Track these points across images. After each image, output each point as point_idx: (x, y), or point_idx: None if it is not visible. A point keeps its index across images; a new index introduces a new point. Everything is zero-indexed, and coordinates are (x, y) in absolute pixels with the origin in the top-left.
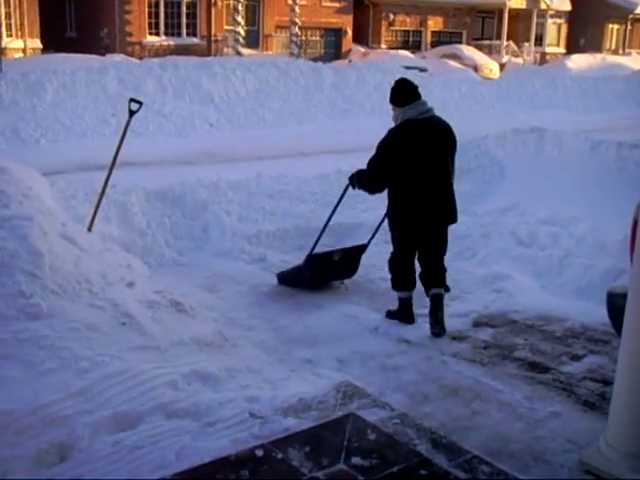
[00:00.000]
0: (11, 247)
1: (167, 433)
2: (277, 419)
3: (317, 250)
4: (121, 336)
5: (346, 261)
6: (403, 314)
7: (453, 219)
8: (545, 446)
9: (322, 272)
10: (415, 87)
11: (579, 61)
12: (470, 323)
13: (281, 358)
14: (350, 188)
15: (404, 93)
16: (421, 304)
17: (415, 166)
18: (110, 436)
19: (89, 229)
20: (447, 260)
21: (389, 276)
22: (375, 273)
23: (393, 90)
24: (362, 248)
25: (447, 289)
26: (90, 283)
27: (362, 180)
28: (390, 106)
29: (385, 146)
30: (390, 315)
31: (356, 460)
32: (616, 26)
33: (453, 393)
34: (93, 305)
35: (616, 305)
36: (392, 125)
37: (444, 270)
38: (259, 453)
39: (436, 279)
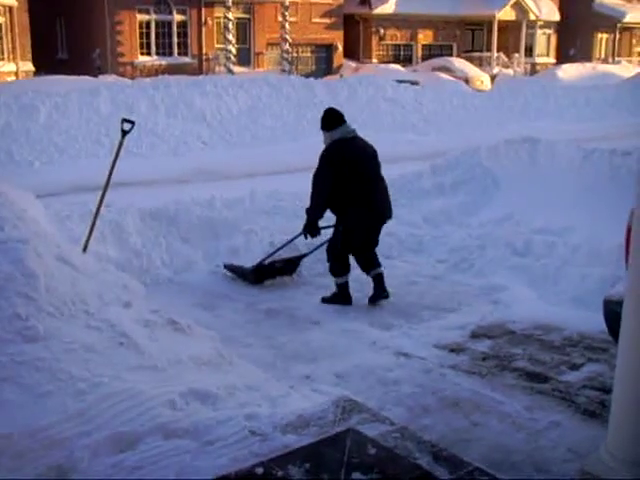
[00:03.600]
0: (6, 270)
1: (167, 453)
2: (276, 436)
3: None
4: (118, 356)
5: (287, 266)
6: (343, 297)
7: (391, 215)
8: (546, 456)
9: (265, 276)
10: (341, 114)
11: (569, 71)
12: (468, 335)
13: (279, 375)
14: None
15: (330, 120)
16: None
17: (352, 174)
18: (109, 457)
19: (84, 250)
20: (444, 272)
21: (327, 265)
22: (370, 288)
23: (322, 118)
24: (302, 256)
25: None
26: (86, 304)
27: (312, 205)
28: (321, 132)
29: (324, 165)
30: (328, 300)
31: (356, 475)
32: (605, 35)
33: (453, 405)
34: (90, 326)
35: (613, 312)
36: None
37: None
38: (259, 471)
39: (376, 261)
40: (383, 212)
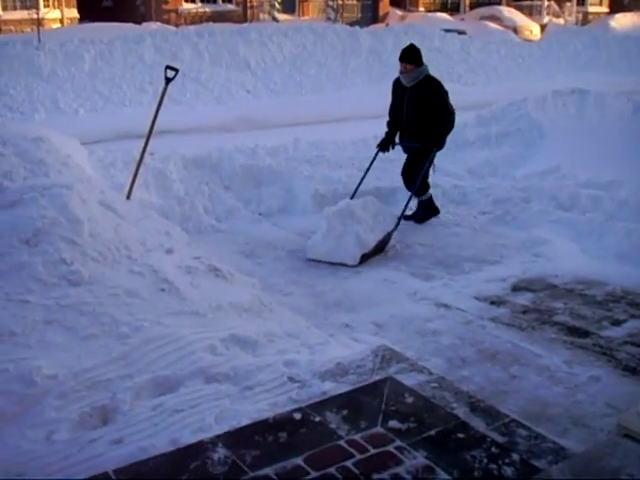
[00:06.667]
0: (51, 215)
1: (206, 397)
2: (315, 383)
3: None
4: (160, 302)
5: None
6: (433, 209)
7: None
8: (584, 410)
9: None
10: None
11: (623, 20)
12: (509, 288)
13: (319, 323)
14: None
15: (420, 55)
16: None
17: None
18: (150, 400)
19: (128, 197)
20: (486, 224)
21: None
22: (411, 238)
23: (413, 53)
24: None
25: None
26: (129, 250)
27: (447, 128)
28: (406, 66)
29: (447, 96)
30: (421, 219)
31: (393, 423)
32: None
33: (491, 357)
34: (132, 271)
35: None
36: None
37: None
38: (297, 416)
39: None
40: None
